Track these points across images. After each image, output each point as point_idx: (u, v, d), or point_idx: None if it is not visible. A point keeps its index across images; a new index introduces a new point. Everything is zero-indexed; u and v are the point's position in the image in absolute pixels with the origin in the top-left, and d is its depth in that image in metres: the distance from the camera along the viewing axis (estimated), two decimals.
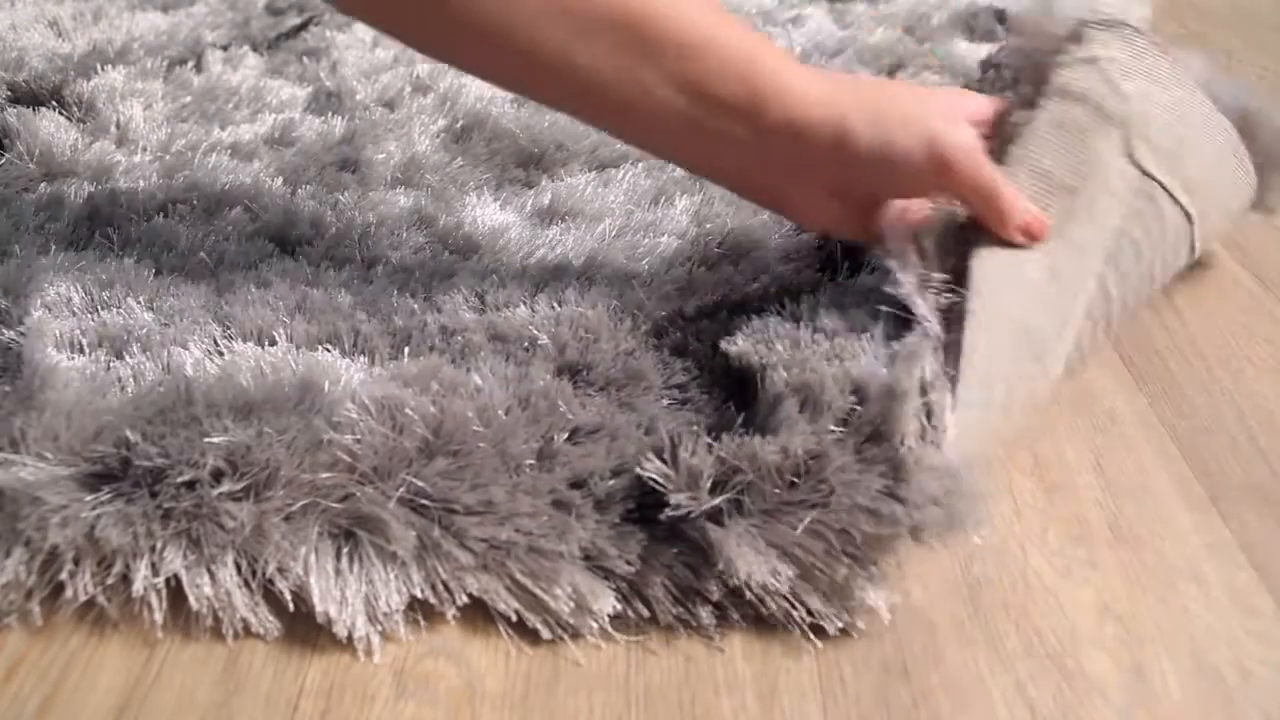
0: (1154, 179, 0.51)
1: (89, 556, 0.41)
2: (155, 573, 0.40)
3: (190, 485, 0.42)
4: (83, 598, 0.40)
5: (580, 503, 0.43)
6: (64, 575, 0.40)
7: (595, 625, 0.40)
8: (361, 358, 0.50)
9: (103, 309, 0.53)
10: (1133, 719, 0.38)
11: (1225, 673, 0.40)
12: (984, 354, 0.44)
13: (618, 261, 0.58)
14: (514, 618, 0.40)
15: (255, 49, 0.87)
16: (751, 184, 0.52)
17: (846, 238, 0.55)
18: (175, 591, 0.41)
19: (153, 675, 0.39)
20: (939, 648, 0.41)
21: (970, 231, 0.48)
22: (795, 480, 0.41)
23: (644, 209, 0.65)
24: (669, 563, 0.41)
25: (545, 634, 0.40)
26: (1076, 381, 0.55)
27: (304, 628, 0.40)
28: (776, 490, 0.41)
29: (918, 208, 0.51)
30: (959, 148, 0.47)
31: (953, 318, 0.45)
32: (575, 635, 0.40)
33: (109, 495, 0.41)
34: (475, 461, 0.43)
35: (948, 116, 0.48)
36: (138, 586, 0.40)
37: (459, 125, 0.74)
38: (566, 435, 0.45)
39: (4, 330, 0.50)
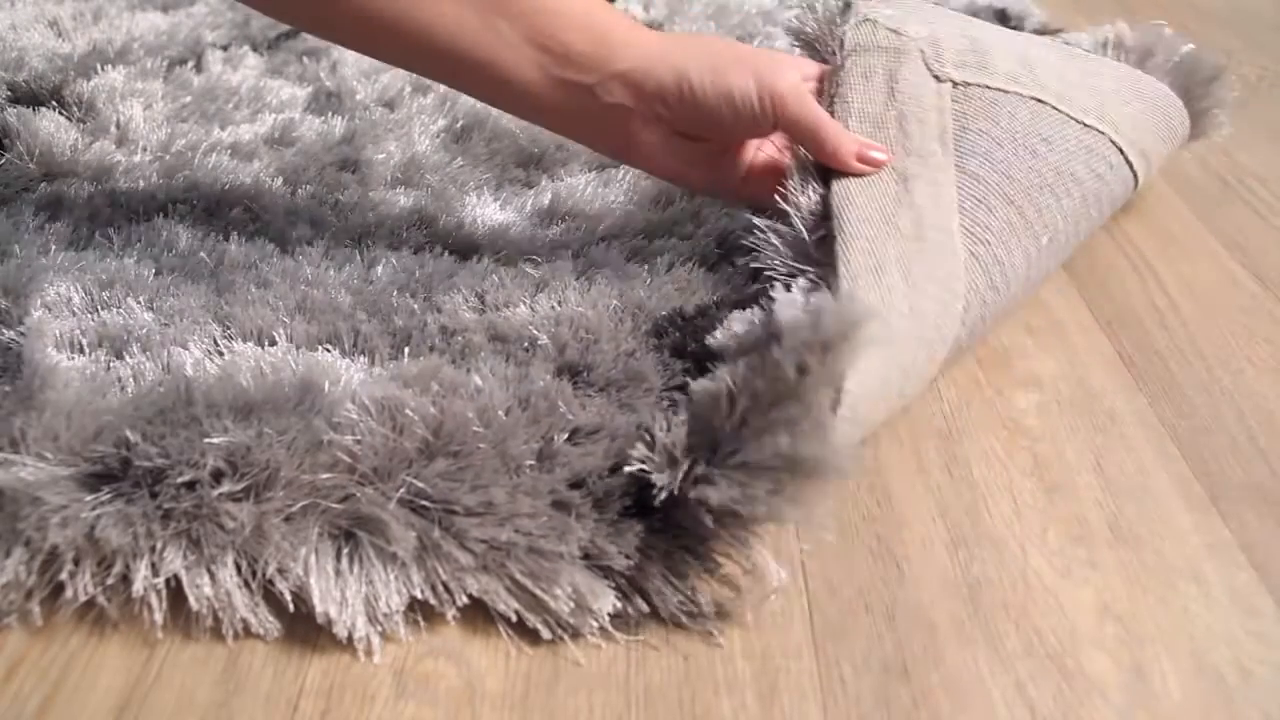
0: (969, 84, 0.57)
1: (89, 556, 0.41)
2: (155, 573, 0.40)
3: (190, 485, 0.42)
4: (83, 598, 0.40)
5: (580, 502, 0.43)
6: (64, 575, 0.40)
7: (595, 624, 0.40)
8: (361, 358, 0.50)
9: (103, 309, 0.53)
10: (1133, 719, 0.38)
11: (1225, 673, 0.40)
12: (863, 250, 0.48)
13: (617, 262, 0.58)
14: (514, 618, 0.40)
15: (255, 49, 0.87)
16: (604, 133, 0.56)
17: (697, 186, 0.59)
18: (175, 592, 0.41)
19: (153, 675, 0.39)
20: (939, 648, 0.41)
21: (825, 171, 0.53)
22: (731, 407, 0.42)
23: (644, 209, 0.65)
24: (668, 549, 0.42)
25: (545, 634, 0.40)
26: (1076, 379, 0.55)
27: (304, 628, 0.40)
28: (718, 417, 0.41)
29: (765, 156, 0.58)
30: (787, 87, 0.52)
31: (828, 241, 0.49)
32: (575, 635, 0.41)
33: (109, 495, 0.41)
34: (475, 462, 0.43)
35: (777, 64, 0.53)
36: (138, 586, 0.40)
37: (459, 125, 0.74)
38: (566, 436, 0.45)
39: (4, 330, 0.50)
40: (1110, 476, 0.49)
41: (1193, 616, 0.42)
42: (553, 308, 0.53)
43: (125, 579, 0.41)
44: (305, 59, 0.85)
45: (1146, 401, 0.54)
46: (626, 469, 0.42)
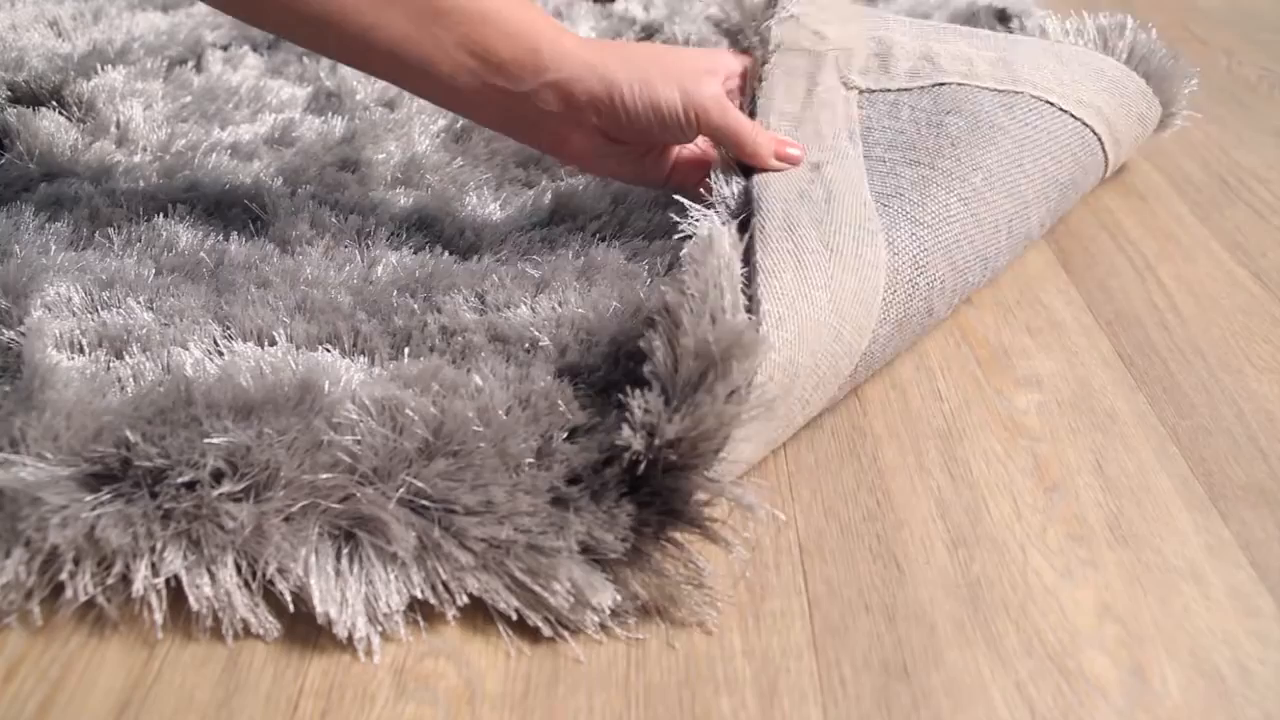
0: (873, 90, 0.62)
1: (89, 557, 0.41)
2: (155, 573, 0.40)
3: (190, 486, 0.42)
4: (83, 598, 0.40)
5: (578, 496, 0.43)
6: (64, 575, 0.40)
7: (595, 620, 0.40)
8: (361, 358, 0.50)
9: (103, 309, 0.53)
10: (1132, 719, 0.38)
11: (1225, 673, 0.40)
12: (779, 215, 0.52)
13: (618, 262, 0.58)
14: (514, 616, 0.40)
15: (255, 49, 0.87)
16: (537, 135, 0.58)
17: (627, 179, 0.62)
18: (175, 592, 0.41)
19: (153, 675, 0.39)
20: (939, 648, 0.41)
21: (746, 166, 0.57)
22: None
23: (644, 209, 0.65)
24: (659, 520, 0.42)
25: (545, 631, 0.40)
26: (1076, 379, 0.55)
27: (304, 628, 0.40)
28: (660, 370, 0.42)
29: (691, 151, 0.61)
30: (708, 98, 0.55)
31: (747, 220, 0.52)
32: (575, 631, 0.41)
33: (109, 495, 0.41)
34: (475, 462, 0.43)
35: (700, 74, 0.56)
36: (138, 587, 0.40)
37: (459, 125, 0.74)
38: (566, 435, 0.45)
39: (4, 330, 0.50)
40: (1110, 476, 0.49)
41: (1193, 616, 0.42)
42: (554, 308, 0.53)
43: (125, 579, 0.41)
44: (305, 59, 0.85)
45: (1146, 401, 0.54)
46: (625, 453, 0.42)
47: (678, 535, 0.43)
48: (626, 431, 0.42)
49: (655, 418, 0.41)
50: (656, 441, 0.41)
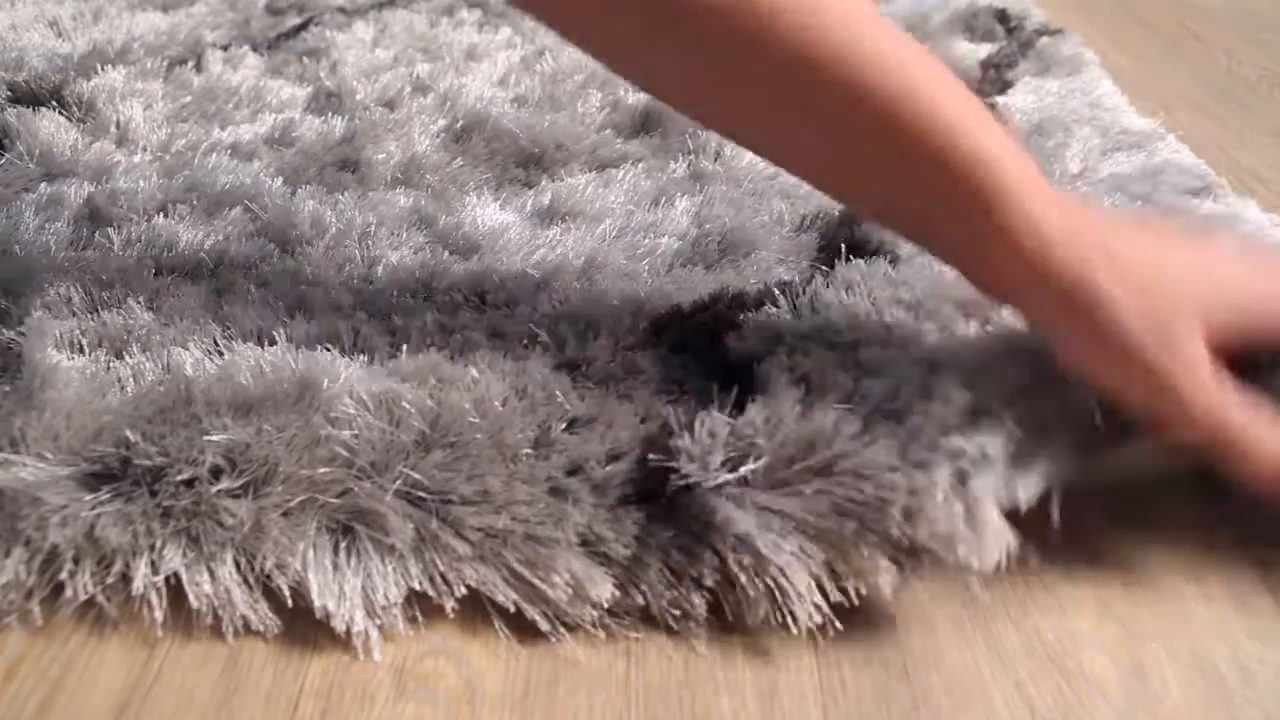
0: None
1: (89, 556, 0.41)
2: (155, 571, 0.40)
3: (189, 483, 0.42)
4: (83, 597, 0.40)
5: (577, 488, 0.42)
6: (64, 575, 0.40)
7: (594, 614, 0.40)
8: (361, 357, 0.50)
9: (103, 309, 0.53)
10: (1132, 719, 0.38)
11: (1225, 673, 0.40)
12: None
13: (618, 262, 0.58)
14: (512, 609, 0.40)
15: (255, 49, 0.87)
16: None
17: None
18: (175, 590, 0.41)
19: (153, 675, 0.39)
20: (939, 648, 0.41)
21: None
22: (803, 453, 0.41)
23: (644, 209, 0.65)
24: (664, 545, 0.41)
25: (544, 625, 0.40)
26: None
27: (304, 627, 0.40)
28: (785, 461, 0.41)
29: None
30: (1173, 381, 0.38)
31: None
32: (574, 626, 0.40)
33: (109, 495, 0.41)
34: (472, 452, 0.43)
35: (1187, 332, 0.38)
36: (137, 585, 0.40)
37: (459, 125, 0.74)
38: (564, 425, 0.45)
39: (4, 330, 0.50)
40: None
41: (1193, 616, 0.42)
42: (553, 307, 0.53)
43: (125, 578, 0.41)
44: (305, 59, 0.85)
45: None
46: (666, 448, 0.42)
47: (685, 564, 0.41)
48: (686, 441, 0.41)
49: (706, 451, 0.41)
50: (711, 480, 0.40)
